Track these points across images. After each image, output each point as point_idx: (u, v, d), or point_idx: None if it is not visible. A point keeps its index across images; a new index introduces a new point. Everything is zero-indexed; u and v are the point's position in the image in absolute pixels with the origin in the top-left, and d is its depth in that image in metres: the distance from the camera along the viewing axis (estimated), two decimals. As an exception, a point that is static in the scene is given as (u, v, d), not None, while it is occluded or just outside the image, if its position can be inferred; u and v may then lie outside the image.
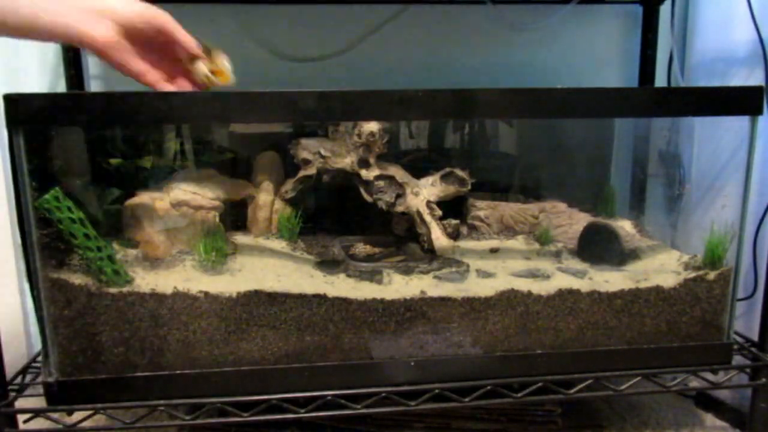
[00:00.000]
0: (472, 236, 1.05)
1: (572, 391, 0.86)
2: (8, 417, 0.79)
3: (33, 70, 1.10)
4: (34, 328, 1.08)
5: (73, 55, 1.07)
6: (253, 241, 0.97)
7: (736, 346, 0.92)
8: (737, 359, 0.92)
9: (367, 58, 1.16)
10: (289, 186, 1.01)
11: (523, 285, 0.87)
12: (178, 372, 0.80)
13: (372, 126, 0.95)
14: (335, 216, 1.09)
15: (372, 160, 0.97)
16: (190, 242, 0.90)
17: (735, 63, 1.05)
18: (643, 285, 0.88)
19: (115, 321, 0.79)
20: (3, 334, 0.77)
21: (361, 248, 1.03)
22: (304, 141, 1.00)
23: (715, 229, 0.91)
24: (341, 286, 0.87)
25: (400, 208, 0.98)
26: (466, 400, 0.83)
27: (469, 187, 1.02)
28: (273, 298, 0.82)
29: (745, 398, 0.93)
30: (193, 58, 0.79)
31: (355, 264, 0.94)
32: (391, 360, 0.84)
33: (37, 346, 0.88)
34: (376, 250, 1.03)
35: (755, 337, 0.92)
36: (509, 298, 0.86)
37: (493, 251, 1.00)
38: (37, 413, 0.79)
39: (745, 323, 1.03)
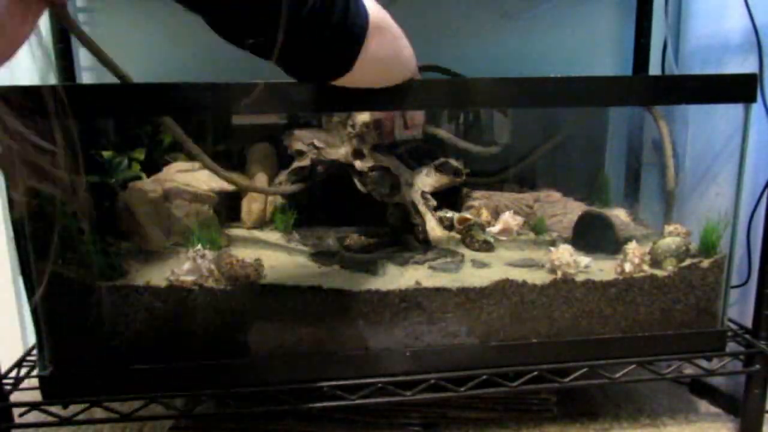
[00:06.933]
0: (467, 226, 1.05)
1: (567, 379, 0.86)
2: (3, 411, 0.79)
3: (23, 62, 1.09)
4: (29, 322, 1.07)
5: (64, 47, 1.06)
6: (248, 233, 0.97)
7: (730, 333, 0.93)
8: (731, 346, 0.92)
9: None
10: (283, 178, 1.00)
11: (518, 274, 0.88)
12: (173, 364, 0.80)
13: (366, 117, 0.94)
14: (330, 207, 1.09)
15: (366, 151, 0.97)
16: (184, 234, 0.90)
17: (729, 50, 1.05)
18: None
19: (110, 313, 0.79)
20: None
21: (356, 239, 1.03)
22: (297, 132, 0.99)
23: (709, 217, 0.91)
24: (336, 278, 0.87)
25: (394, 199, 0.98)
26: (462, 389, 0.84)
27: (464, 177, 1.02)
28: (268, 290, 0.82)
29: (740, 385, 0.93)
30: None
31: (350, 255, 0.94)
32: (387, 350, 0.84)
33: (32, 339, 0.88)
34: (371, 241, 1.03)
35: (749, 323, 0.92)
36: (504, 288, 0.86)
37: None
38: (32, 407, 0.79)
39: (739, 310, 1.03)
